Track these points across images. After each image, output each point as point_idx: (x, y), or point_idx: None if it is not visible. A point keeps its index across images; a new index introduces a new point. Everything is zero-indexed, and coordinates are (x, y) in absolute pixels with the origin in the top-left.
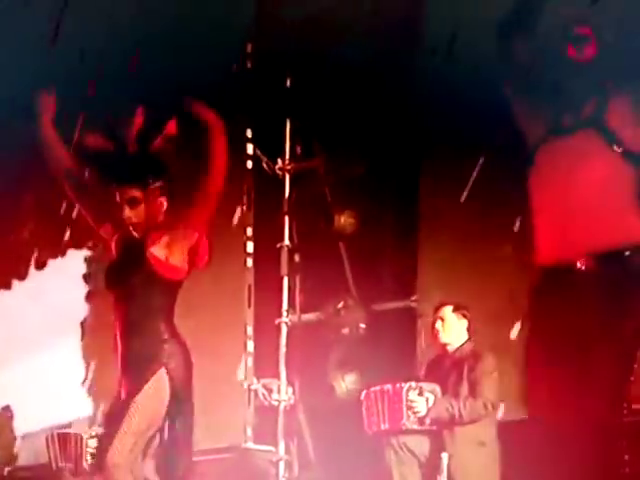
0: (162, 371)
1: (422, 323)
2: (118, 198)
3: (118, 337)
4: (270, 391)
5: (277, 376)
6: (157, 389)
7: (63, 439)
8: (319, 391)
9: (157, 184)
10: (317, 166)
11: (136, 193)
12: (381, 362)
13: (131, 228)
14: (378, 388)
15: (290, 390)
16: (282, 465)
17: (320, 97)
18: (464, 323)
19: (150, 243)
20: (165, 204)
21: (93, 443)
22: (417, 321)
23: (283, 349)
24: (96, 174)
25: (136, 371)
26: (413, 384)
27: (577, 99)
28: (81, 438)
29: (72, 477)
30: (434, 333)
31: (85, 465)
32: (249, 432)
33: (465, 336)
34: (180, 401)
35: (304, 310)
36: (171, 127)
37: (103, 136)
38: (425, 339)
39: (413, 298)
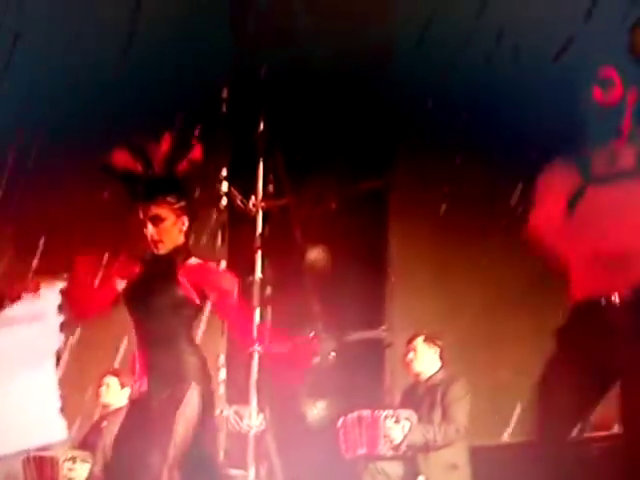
0: (193, 387)
1: (390, 352)
2: (141, 215)
3: (137, 353)
4: (241, 417)
5: (248, 403)
6: (191, 405)
7: (39, 462)
8: (290, 417)
9: (180, 203)
10: (288, 204)
11: (159, 211)
12: (351, 389)
13: (153, 245)
14: (356, 414)
15: (261, 416)
16: None
17: (292, 138)
18: (436, 351)
19: (183, 272)
20: (187, 223)
21: (69, 466)
22: (385, 350)
23: (254, 376)
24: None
25: (163, 387)
26: (390, 412)
27: (610, 146)
28: (57, 461)
29: None
30: (406, 363)
31: None
32: (221, 456)
33: (438, 364)
34: (209, 416)
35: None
36: (197, 152)
37: (130, 155)
38: (393, 367)
39: (382, 328)
